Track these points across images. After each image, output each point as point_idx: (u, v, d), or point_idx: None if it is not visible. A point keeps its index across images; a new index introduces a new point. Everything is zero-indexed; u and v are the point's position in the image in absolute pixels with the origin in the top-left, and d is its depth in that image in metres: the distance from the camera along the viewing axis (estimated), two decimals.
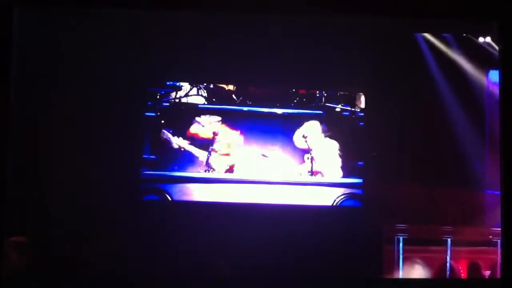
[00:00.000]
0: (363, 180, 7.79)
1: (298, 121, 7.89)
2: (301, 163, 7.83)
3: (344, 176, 7.83)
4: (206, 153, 7.73)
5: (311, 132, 7.88)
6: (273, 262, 6.69)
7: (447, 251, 7.44)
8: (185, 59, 7.50)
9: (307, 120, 7.89)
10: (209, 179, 7.70)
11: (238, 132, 7.83)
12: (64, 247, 6.52)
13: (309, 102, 7.94)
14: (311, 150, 7.83)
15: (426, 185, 7.54)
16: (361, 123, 7.88)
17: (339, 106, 7.95)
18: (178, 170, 7.64)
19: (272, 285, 5.89)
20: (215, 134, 7.78)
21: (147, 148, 7.60)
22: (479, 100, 7.89)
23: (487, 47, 7.66)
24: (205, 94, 7.87)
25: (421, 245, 7.50)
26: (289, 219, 7.26)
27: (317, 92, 7.96)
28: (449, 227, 7.52)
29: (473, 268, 7.27)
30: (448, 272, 7.35)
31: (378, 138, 7.72)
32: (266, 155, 7.70)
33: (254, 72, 7.68)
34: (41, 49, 6.91)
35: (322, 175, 7.81)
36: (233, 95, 7.91)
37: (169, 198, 7.59)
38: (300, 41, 7.29)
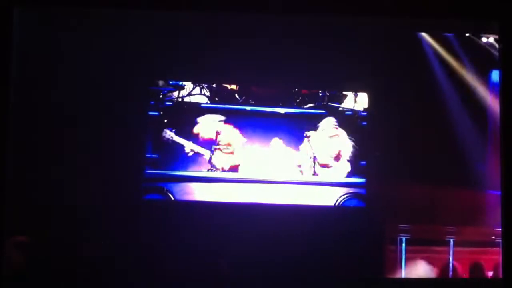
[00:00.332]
0: (366, 180, 7.77)
1: (300, 120, 7.87)
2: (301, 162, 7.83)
3: (347, 176, 7.81)
4: (209, 152, 7.73)
5: (315, 132, 7.87)
6: (275, 262, 6.69)
7: (449, 251, 7.42)
8: (188, 58, 7.49)
9: (309, 120, 7.88)
10: (211, 179, 7.69)
11: (240, 130, 7.82)
12: (64, 247, 6.53)
13: (312, 101, 7.93)
14: (313, 149, 7.82)
15: (429, 185, 7.51)
16: (364, 123, 7.86)
17: (342, 106, 7.93)
18: (180, 169, 7.64)
19: (274, 285, 5.91)
20: (217, 133, 7.78)
21: (149, 147, 7.59)
22: (481, 100, 7.86)
23: (489, 47, 7.63)
24: (208, 94, 7.86)
25: (424, 245, 7.49)
26: (291, 219, 7.24)
27: (320, 91, 7.94)
28: (452, 228, 7.50)
29: (476, 268, 7.26)
30: (450, 273, 7.34)
31: (381, 138, 7.70)
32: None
33: (257, 72, 7.66)
34: (41, 49, 6.90)
35: (329, 167, 7.79)
36: (236, 95, 7.90)
37: (172, 197, 7.58)
38: (301, 41, 7.27)
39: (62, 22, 6.90)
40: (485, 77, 7.81)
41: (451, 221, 7.52)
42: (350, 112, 7.91)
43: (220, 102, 7.85)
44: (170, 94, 7.77)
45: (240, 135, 7.80)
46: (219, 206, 7.51)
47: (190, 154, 7.68)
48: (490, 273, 7.15)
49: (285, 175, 7.76)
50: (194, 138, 7.72)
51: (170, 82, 7.78)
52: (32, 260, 5.99)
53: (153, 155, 7.58)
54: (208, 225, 7.04)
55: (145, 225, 7.05)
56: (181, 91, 7.81)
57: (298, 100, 7.94)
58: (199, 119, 7.76)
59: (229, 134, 7.81)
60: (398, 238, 7.47)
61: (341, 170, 7.82)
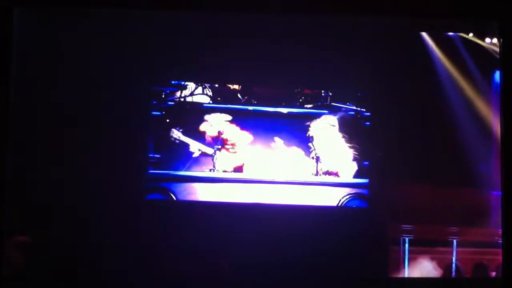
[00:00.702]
0: (369, 181, 7.74)
1: (303, 120, 7.85)
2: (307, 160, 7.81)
3: (353, 176, 7.80)
4: (213, 151, 7.73)
5: (317, 132, 7.85)
6: (277, 262, 6.68)
7: (453, 252, 7.40)
8: (190, 58, 7.48)
9: (312, 120, 7.86)
10: (214, 179, 7.68)
11: (243, 130, 7.81)
12: (64, 247, 6.54)
13: (314, 101, 7.91)
14: (315, 150, 7.80)
15: (432, 186, 7.49)
16: (367, 123, 7.83)
17: (345, 105, 7.91)
18: (183, 169, 7.64)
19: (276, 285, 5.89)
20: (220, 133, 7.77)
21: (151, 146, 7.59)
22: (484, 101, 7.83)
23: (493, 48, 7.60)
24: (210, 93, 7.85)
25: (427, 246, 7.47)
26: (294, 219, 7.23)
27: (322, 91, 7.92)
28: (455, 228, 7.48)
29: (479, 268, 7.23)
30: (453, 273, 7.32)
31: (384, 138, 7.67)
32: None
33: (257, 72, 7.65)
34: (41, 49, 6.92)
35: (338, 176, 7.78)
36: (238, 95, 7.89)
37: (174, 197, 7.58)
38: (301, 41, 7.25)
39: (62, 22, 6.91)
40: (488, 77, 7.78)
41: (455, 222, 7.50)
42: (353, 112, 7.89)
43: (222, 102, 7.85)
44: (173, 94, 7.78)
45: (246, 133, 7.79)
46: (221, 206, 7.50)
47: (197, 154, 7.68)
48: (493, 274, 7.12)
49: (288, 175, 7.75)
50: (200, 138, 7.72)
51: (173, 82, 7.78)
52: (32, 260, 5.99)
53: (156, 155, 7.58)
54: (209, 225, 7.04)
55: (147, 225, 7.05)
56: (184, 91, 7.81)
57: (300, 100, 7.92)
58: (206, 117, 7.76)
59: (233, 134, 7.81)
60: (401, 238, 7.45)
61: (348, 172, 7.81)
